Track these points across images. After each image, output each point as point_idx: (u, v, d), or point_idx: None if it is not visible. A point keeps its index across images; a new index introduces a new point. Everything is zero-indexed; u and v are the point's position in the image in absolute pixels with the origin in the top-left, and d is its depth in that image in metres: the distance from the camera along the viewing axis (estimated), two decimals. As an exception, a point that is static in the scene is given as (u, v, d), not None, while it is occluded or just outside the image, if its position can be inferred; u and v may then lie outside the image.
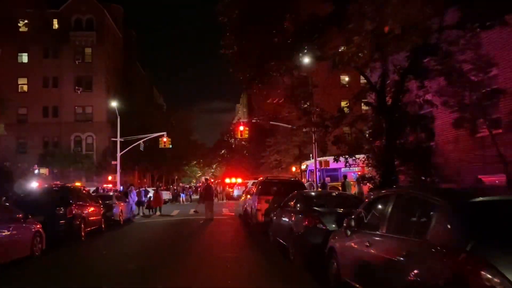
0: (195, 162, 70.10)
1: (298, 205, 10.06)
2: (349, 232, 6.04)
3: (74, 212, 13.83)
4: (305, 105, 12.50)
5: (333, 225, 8.52)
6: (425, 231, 4.18)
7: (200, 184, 69.86)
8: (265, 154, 49.28)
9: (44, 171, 44.34)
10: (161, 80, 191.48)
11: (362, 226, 5.86)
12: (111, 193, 23.63)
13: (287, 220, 10.04)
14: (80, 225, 14.17)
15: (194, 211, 25.50)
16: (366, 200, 7.01)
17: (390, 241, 4.88)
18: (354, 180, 27.61)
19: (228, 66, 12.12)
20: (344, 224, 6.26)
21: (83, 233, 14.36)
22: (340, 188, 27.41)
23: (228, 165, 76.21)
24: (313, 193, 13.16)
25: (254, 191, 16.59)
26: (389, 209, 5.14)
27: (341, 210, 8.75)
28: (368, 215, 5.89)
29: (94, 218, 15.98)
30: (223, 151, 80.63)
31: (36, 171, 36.33)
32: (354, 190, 24.43)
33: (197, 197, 50.21)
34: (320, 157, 28.05)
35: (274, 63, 10.92)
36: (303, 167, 36.07)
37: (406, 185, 11.43)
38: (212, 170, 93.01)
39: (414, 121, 10.85)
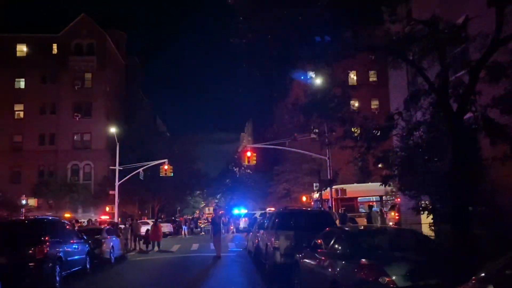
0: (198, 192, 67.08)
1: (340, 246, 7.24)
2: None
3: (46, 251, 11.09)
4: (340, 114, 9.83)
5: (400, 278, 5.76)
6: None
7: (205, 215, 66.69)
8: (272, 184, 46.57)
9: (33, 201, 41.28)
10: (165, 109, 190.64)
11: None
12: (103, 227, 20.80)
13: (326, 267, 7.19)
14: (54, 267, 11.40)
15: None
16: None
17: None
18: (377, 210, 24.79)
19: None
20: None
21: (58, 278, 11.56)
22: (360, 220, 24.60)
23: (233, 195, 73.54)
24: (355, 230, 10.05)
25: (270, 224, 13.75)
26: None
27: (415, 256, 5.97)
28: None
29: (75, 257, 13.36)
30: (227, 181, 78.00)
31: (23, 202, 33.37)
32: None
33: (198, 229, 47.33)
34: (361, 182, 24.98)
35: (306, 50, 8.27)
36: (316, 195, 32.49)
37: None
38: (216, 201, 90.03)
39: (497, 130, 8.13)
